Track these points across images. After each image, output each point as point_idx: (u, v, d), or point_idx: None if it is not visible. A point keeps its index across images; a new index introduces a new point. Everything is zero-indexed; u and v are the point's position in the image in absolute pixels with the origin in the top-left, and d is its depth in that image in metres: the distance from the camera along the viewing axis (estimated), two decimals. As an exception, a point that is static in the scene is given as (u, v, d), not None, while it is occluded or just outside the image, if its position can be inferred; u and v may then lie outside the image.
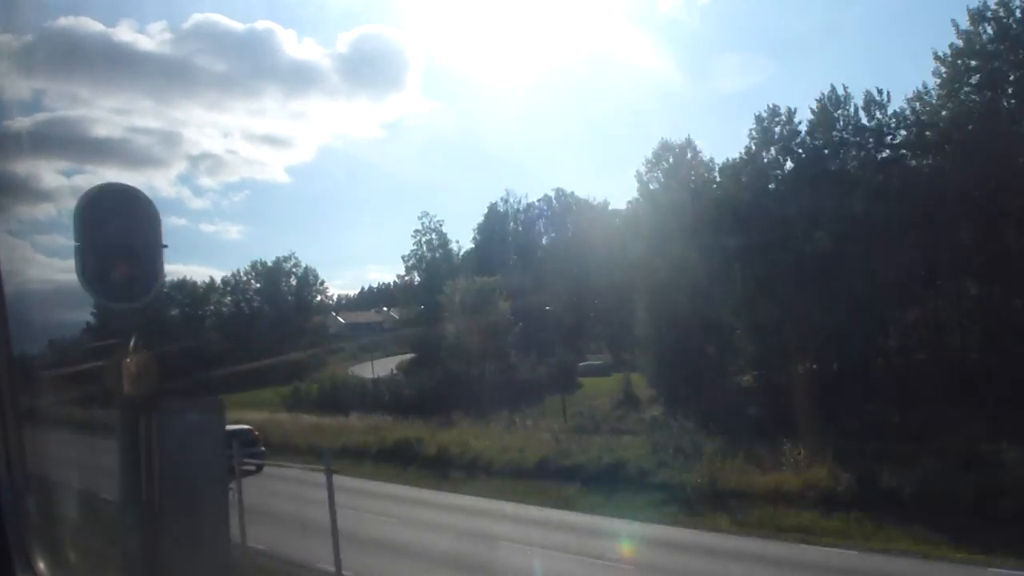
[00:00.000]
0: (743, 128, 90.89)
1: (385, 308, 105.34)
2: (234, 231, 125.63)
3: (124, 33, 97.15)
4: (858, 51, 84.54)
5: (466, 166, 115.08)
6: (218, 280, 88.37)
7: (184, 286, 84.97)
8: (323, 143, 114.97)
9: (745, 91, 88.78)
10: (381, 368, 63.76)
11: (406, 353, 71.79)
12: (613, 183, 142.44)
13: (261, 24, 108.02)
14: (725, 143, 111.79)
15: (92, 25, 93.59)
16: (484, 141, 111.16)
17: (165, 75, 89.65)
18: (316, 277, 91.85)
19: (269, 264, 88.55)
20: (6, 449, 2.54)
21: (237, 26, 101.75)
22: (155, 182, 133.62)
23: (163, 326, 75.39)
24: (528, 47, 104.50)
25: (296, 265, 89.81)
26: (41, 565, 2.72)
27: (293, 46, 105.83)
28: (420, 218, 74.26)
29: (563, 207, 73.16)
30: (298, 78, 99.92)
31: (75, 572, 4.08)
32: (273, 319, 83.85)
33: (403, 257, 74.20)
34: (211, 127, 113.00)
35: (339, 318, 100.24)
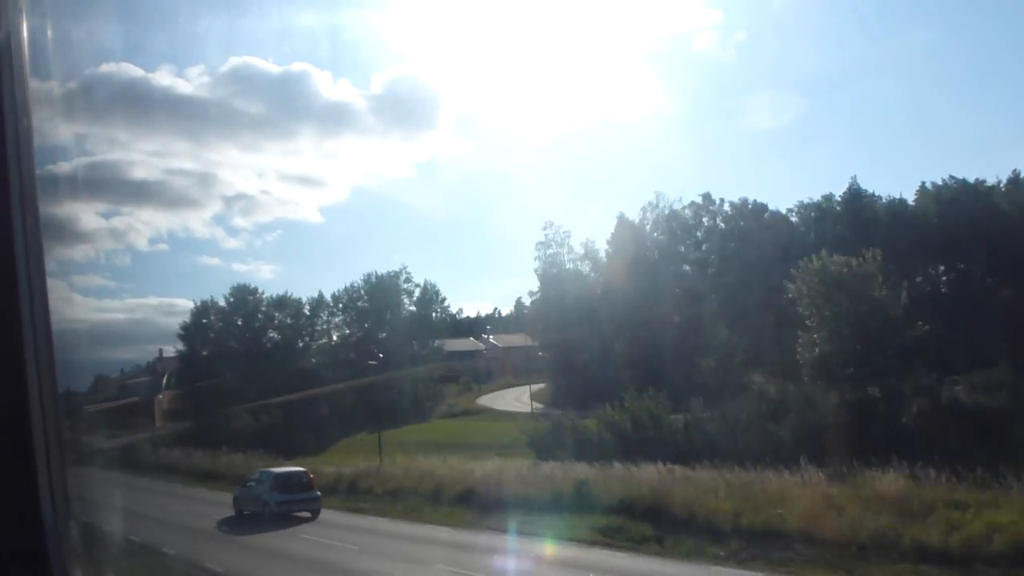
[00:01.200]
0: (772, 167, 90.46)
1: (484, 335, 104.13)
2: (267, 270, 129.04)
3: (163, 77, 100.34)
4: (894, 90, 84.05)
5: (498, 204, 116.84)
6: (327, 296, 75.23)
7: (286, 304, 71.97)
8: (356, 183, 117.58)
9: (776, 129, 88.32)
10: (504, 400, 55.86)
11: (524, 381, 64.82)
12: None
13: (297, 66, 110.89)
14: (756, 180, 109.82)
15: (133, 71, 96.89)
16: (516, 179, 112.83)
17: (202, 118, 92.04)
18: (437, 294, 78.08)
19: (382, 276, 74.56)
20: (49, 476, 2.67)
21: (273, 68, 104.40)
22: (190, 223, 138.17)
23: (261, 351, 67.00)
24: (561, 85, 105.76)
25: (408, 280, 75.77)
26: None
27: (328, 87, 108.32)
28: (544, 229, 67.15)
29: (722, 215, 63.54)
30: (332, 119, 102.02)
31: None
32: (393, 342, 71.30)
33: (535, 271, 68.03)
34: (246, 168, 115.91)
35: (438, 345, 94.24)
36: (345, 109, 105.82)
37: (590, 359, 55.77)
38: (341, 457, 38.62)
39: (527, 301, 79.23)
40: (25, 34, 2.87)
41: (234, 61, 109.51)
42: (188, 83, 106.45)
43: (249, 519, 26.51)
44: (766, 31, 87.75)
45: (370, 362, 62.27)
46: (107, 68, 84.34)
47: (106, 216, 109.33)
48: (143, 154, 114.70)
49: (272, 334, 71.01)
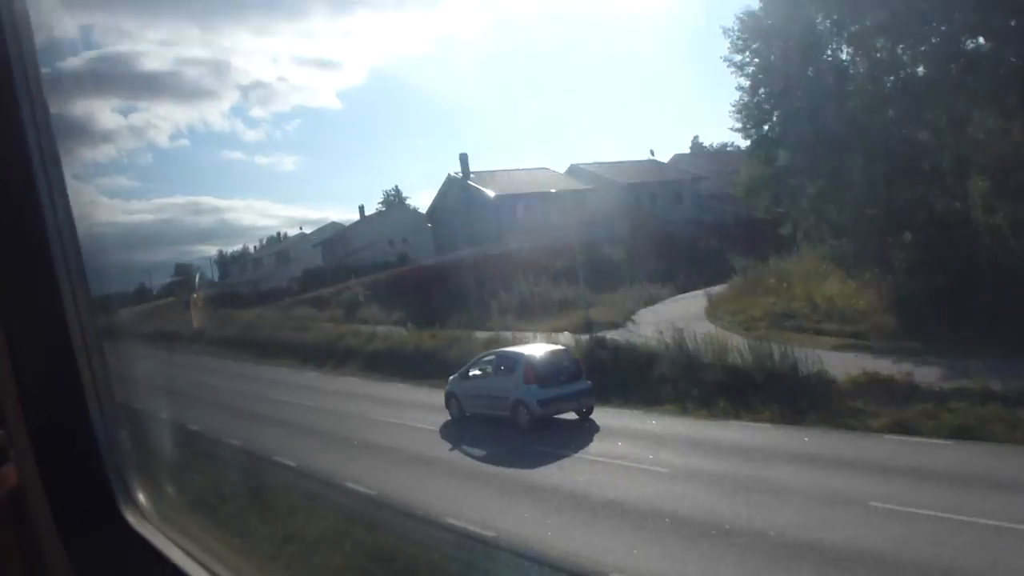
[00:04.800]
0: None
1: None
2: (288, 162, 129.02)
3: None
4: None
5: (524, 85, 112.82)
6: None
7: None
8: (374, 64, 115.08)
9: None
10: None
11: None
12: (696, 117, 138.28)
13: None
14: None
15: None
16: (546, 55, 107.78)
17: (210, 1, 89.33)
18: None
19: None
20: (94, 383, 2.58)
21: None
22: (208, 116, 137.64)
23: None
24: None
25: None
26: (141, 496, 2.80)
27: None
28: None
29: None
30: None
31: (174, 503, 4.25)
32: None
33: None
34: (260, 53, 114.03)
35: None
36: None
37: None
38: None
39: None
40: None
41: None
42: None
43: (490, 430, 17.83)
44: None
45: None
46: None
47: (124, 113, 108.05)
48: (152, 44, 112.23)
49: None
